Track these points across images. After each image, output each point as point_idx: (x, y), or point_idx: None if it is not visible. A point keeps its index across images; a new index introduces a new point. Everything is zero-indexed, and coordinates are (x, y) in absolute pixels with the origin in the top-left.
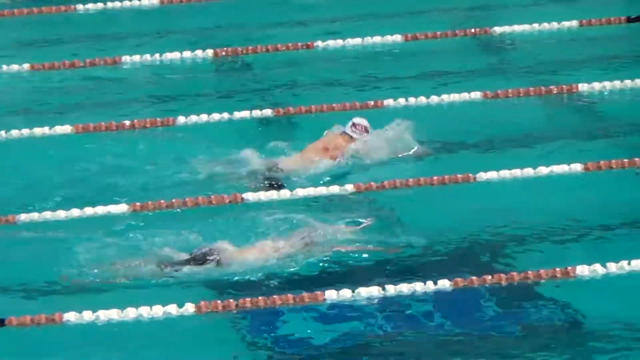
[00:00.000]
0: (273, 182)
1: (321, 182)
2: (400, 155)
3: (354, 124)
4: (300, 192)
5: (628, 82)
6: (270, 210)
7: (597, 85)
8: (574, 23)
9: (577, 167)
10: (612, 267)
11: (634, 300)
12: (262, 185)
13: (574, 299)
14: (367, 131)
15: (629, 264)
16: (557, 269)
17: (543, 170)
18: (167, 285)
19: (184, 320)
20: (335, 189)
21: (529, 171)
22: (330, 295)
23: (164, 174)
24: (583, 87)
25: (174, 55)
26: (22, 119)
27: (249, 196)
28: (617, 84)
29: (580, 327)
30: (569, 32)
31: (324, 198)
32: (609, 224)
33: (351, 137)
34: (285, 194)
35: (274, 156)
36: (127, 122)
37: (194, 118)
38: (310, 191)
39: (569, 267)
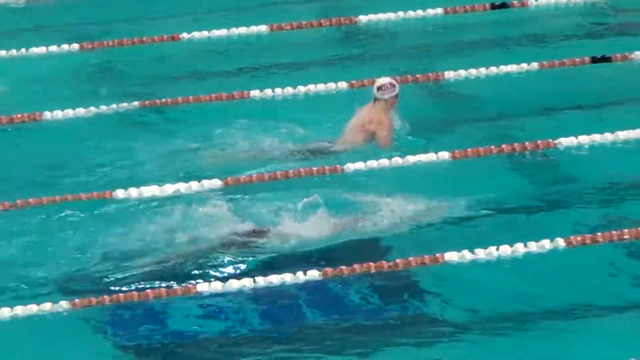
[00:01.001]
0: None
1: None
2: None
3: (379, 88)
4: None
5: (493, 69)
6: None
7: (462, 73)
8: (439, 11)
9: (444, 155)
10: (481, 254)
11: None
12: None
13: (442, 286)
14: (394, 86)
15: (497, 249)
16: (426, 257)
17: (410, 159)
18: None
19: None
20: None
21: (397, 160)
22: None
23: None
24: (449, 74)
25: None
26: None
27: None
28: (483, 70)
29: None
30: (434, 19)
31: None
32: (473, 214)
33: (385, 100)
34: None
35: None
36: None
37: (59, 114)
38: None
39: (438, 254)
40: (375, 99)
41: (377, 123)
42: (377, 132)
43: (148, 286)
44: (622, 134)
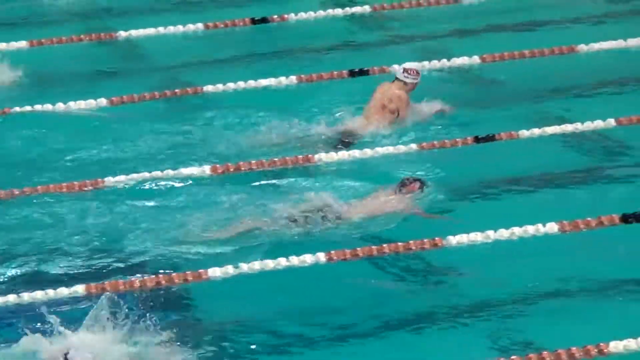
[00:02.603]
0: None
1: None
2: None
3: (405, 70)
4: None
5: (252, 83)
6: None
7: (221, 87)
8: (200, 26)
9: (205, 169)
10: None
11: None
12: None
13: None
14: (418, 74)
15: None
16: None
17: (206, 169)
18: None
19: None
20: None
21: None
22: None
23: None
24: (208, 88)
25: None
26: None
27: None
28: (242, 84)
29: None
30: (194, 35)
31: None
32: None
33: (405, 83)
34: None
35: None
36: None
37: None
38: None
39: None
40: (396, 79)
41: (397, 99)
42: (399, 108)
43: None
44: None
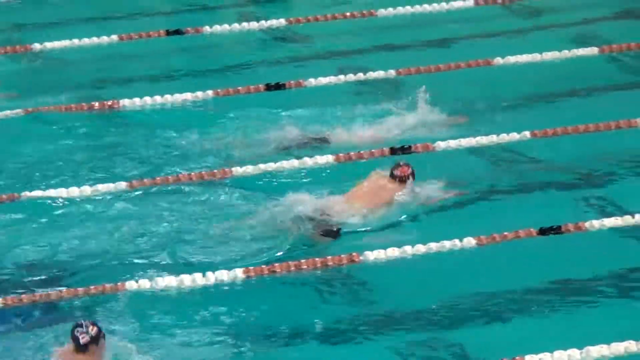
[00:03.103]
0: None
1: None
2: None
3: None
4: None
5: (168, 97)
6: None
7: (138, 101)
8: (114, 38)
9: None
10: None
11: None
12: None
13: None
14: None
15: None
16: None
17: (100, 187)
18: None
19: None
20: None
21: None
22: None
23: None
24: (124, 102)
25: None
26: None
27: None
28: (158, 99)
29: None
30: (108, 47)
31: None
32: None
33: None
34: None
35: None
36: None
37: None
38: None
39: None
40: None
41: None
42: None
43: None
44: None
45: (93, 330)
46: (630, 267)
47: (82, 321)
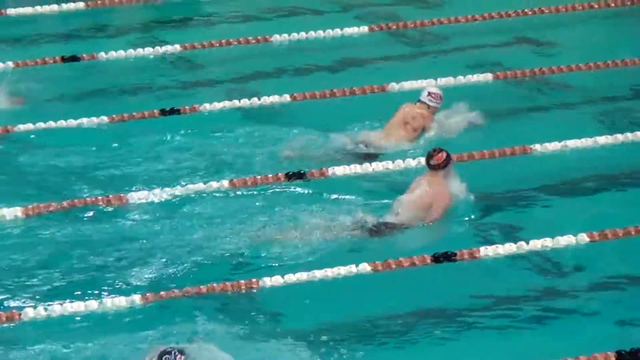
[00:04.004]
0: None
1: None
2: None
3: (429, 93)
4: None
5: (72, 122)
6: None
7: (31, 126)
8: (10, 64)
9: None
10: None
11: None
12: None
13: None
14: (441, 99)
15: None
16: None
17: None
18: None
19: None
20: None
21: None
22: None
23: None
24: (19, 127)
25: None
26: None
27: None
28: (52, 124)
29: None
30: (2, 72)
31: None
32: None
33: (428, 105)
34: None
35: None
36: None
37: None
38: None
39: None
40: (419, 101)
41: (420, 117)
42: (424, 126)
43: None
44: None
45: (180, 358)
46: (522, 294)
47: (171, 349)
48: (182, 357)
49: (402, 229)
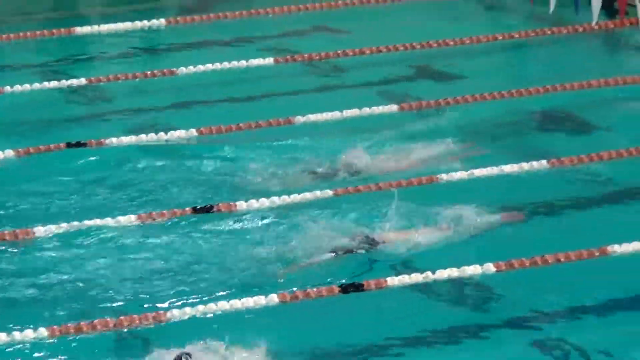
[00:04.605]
0: None
1: None
2: None
3: None
4: None
5: None
6: None
7: None
8: None
9: None
10: None
11: None
12: None
13: None
14: None
15: None
16: None
17: None
18: None
19: None
20: None
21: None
22: None
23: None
24: None
25: None
26: None
27: None
28: None
29: None
30: None
31: None
32: None
33: None
34: None
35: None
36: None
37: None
38: None
39: None
40: None
41: None
42: None
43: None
44: None
45: None
46: (429, 327)
47: (181, 353)
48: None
49: None
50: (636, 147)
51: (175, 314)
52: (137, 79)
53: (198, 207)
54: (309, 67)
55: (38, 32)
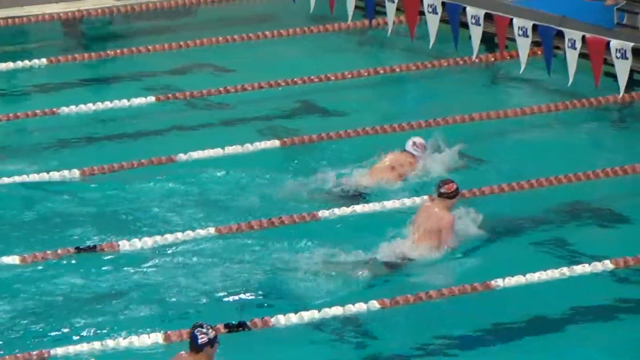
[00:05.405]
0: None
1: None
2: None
3: (414, 143)
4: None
5: None
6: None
7: None
8: None
9: None
10: None
11: None
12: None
13: None
14: (425, 148)
15: None
16: None
17: None
18: None
19: None
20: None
21: None
22: None
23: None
24: None
25: None
26: None
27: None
28: None
29: None
30: None
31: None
32: None
33: (413, 154)
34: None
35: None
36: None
37: None
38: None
39: None
40: (405, 150)
41: (408, 165)
42: (407, 173)
43: None
44: None
45: (212, 333)
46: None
47: (203, 323)
48: (213, 331)
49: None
50: (514, 182)
51: None
52: (19, 119)
53: (81, 246)
54: (190, 105)
55: None
